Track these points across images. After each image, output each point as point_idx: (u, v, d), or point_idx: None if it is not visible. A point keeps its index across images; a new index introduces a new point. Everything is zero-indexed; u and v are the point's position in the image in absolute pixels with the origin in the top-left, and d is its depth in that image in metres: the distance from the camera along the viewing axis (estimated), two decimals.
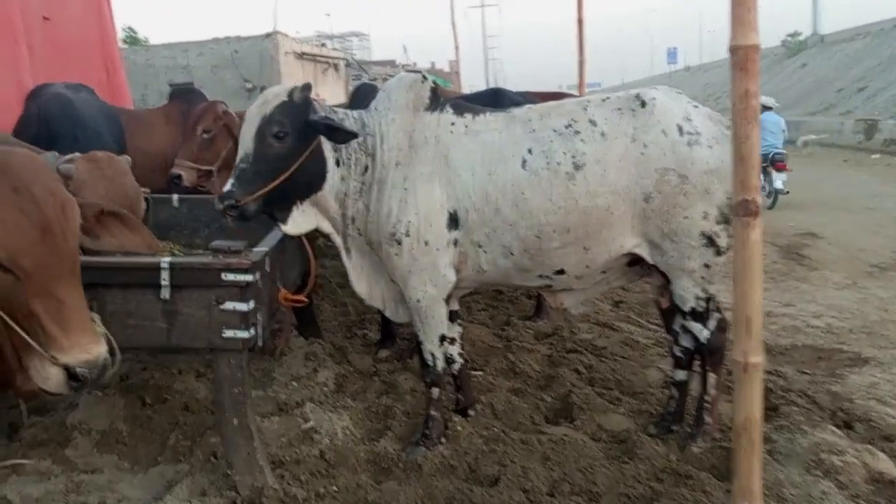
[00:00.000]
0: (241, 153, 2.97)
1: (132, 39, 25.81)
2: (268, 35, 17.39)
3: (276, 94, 2.99)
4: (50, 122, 4.54)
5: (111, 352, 2.08)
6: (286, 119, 2.93)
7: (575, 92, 6.95)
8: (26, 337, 1.91)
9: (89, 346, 1.97)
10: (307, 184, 3.06)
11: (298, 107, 2.96)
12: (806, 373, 4.41)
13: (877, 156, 18.86)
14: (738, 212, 1.79)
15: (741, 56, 1.73)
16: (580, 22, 6.65)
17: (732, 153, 1.79)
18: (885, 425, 3.70)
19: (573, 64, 7.64)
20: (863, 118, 23.03)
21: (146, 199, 4.10)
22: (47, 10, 6.67)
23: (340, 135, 2.98)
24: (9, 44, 5.85)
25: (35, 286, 1.91)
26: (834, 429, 3.52)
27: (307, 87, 3.00)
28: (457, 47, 13.32)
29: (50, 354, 1.91)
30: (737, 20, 1.81)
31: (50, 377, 1.94)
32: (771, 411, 3.70)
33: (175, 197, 4.37)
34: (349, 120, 3.15)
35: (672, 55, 69.16)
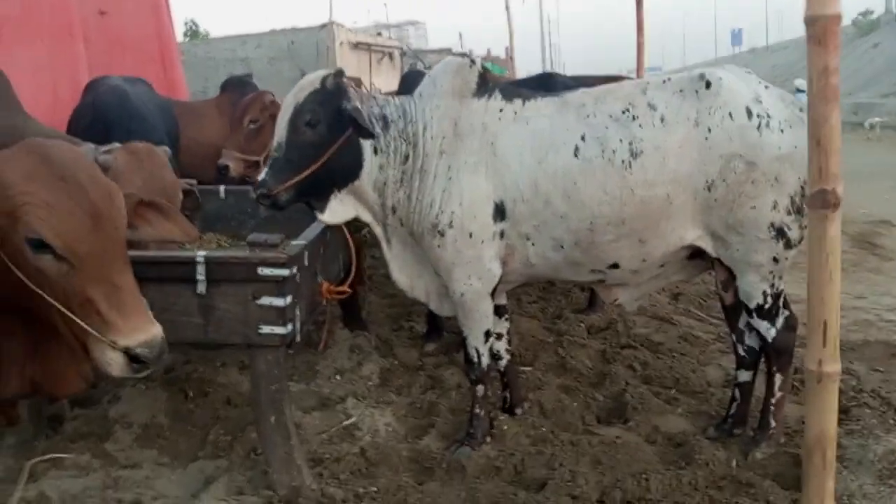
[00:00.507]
0: (275, 142, 2.92)
1: (193, 33, 26.20)
2: (323, 26, 17.41)
3: (310, 82, 2.92)
4: (105, 114, 4.55)
5: None
6: (318, 107, 2.86)
7: (633, 76, 6.68)
8: (84, 325, 1.93)
9: (146, 327, 1.99)
10: (343, 173, 2.97)
11: (331, 94, 2.88)
12: (879, 371, 4.11)
13: None
14: (815, 203, 1.59)
15: (819, 28, 1.52)
16: (639, 2, 6.38)
17: (809, 137, 1.59)
18: None
19: (632, 48, 7.34)
20: None
21: (195, 191, 4.10)
22: (104, 4, 6.73)
23: (361, 130, 2.87)
24: (65, 39, 5.92)
25: (90, 272, 1.93)
26: None
27: (340, 74, 2.91)
28: (511, 33, 13.07)
29: (110, 339, 1.93)
30: None
31: (112, 362, 1.95)
32: (842, 414, 3.45)
33: (222, 188, 4.34)
34: (389, 107, 3.04)
35: (736, 37, 66.74)
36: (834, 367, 1.65)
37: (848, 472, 2.93)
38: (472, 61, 3.07)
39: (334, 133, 2.88)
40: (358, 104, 2.86)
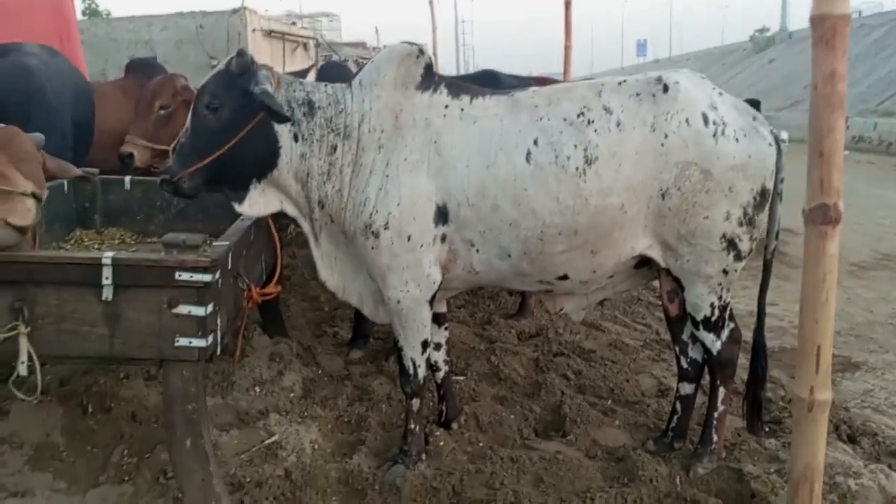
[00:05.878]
0: (185, 126, 2.77)
1: (93, 11, 24.78)
2: (235, 11, 16.68)
3: (219, 65, 2.75)
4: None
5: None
6: (221, 90, 2.69)
7: (560, 79, 6.60)
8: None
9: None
10: (256, 160, 2.77)
11: (236, 76, 2.68)
12: None
13: (846, 153, 18.89)
14: (815, 219, 1.47)
15: (828, 28, 1.39)
16: (567, 5, 6.32)
17: (810, 148, 1.47)
18: (888, 439, 3.52)
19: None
20: None
21: (95, 181, 3.69)
22: None
23: (273, 114, 2.66)
24: None
25: None
26: (845, 447, 3.29)
27: (242, 53, 2.70)
28: (434, 29, 12.84)
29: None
30: None
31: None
32: (774, 425, 3.45)
33: (127, 179, 3.95)
34: (318, 93, 2.83)
35: (642, 47, 69.02)
36: (826, 395, 1.54)
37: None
38: (421, 51, 2.85)
39: (240, 117, 2.69)
40: (268, 87, 2.65)
